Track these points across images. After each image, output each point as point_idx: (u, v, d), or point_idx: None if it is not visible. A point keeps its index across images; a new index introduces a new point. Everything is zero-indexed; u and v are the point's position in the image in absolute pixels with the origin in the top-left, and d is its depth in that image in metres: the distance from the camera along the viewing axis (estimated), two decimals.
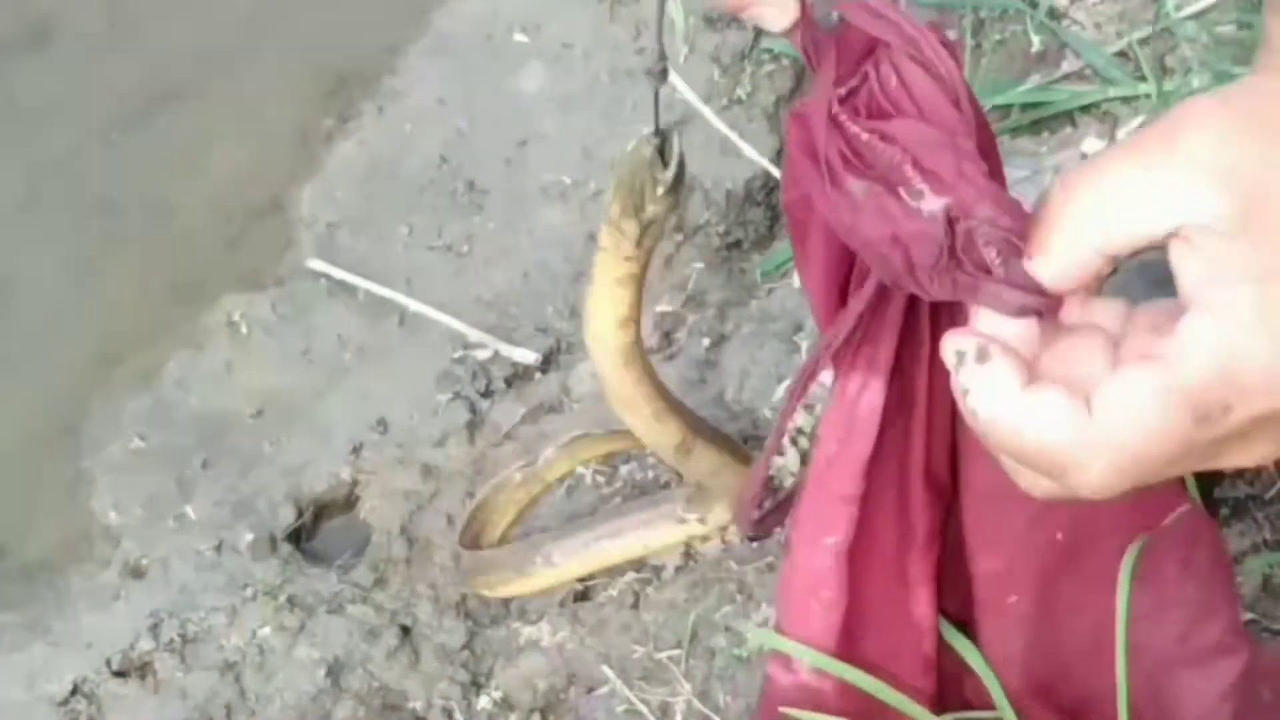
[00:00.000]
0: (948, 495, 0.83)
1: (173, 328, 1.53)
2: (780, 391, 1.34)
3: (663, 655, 1.22)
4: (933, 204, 0.64)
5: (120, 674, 1.30)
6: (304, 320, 1.51)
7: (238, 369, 1.49)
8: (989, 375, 0.61)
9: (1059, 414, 0.60)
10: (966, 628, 0.88)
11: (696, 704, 1.19)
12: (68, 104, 1.72)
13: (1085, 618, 0.84)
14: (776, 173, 1.50)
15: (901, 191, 0.65)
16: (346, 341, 1.49)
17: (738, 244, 1.49)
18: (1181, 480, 0.86)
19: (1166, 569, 0.83)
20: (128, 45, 1.75)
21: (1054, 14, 1.52)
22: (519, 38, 1.67)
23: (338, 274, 1.53)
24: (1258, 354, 0.57)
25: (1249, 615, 1.10)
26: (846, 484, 0.80)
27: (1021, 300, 0.62)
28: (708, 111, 1.54)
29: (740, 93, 1.56)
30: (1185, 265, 0.58)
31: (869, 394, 0.78)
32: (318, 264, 1.54)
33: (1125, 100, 1.46)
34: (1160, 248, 0.59)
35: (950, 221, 0.63)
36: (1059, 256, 0.61)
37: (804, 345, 1.36)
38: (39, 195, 1.66)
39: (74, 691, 1.29)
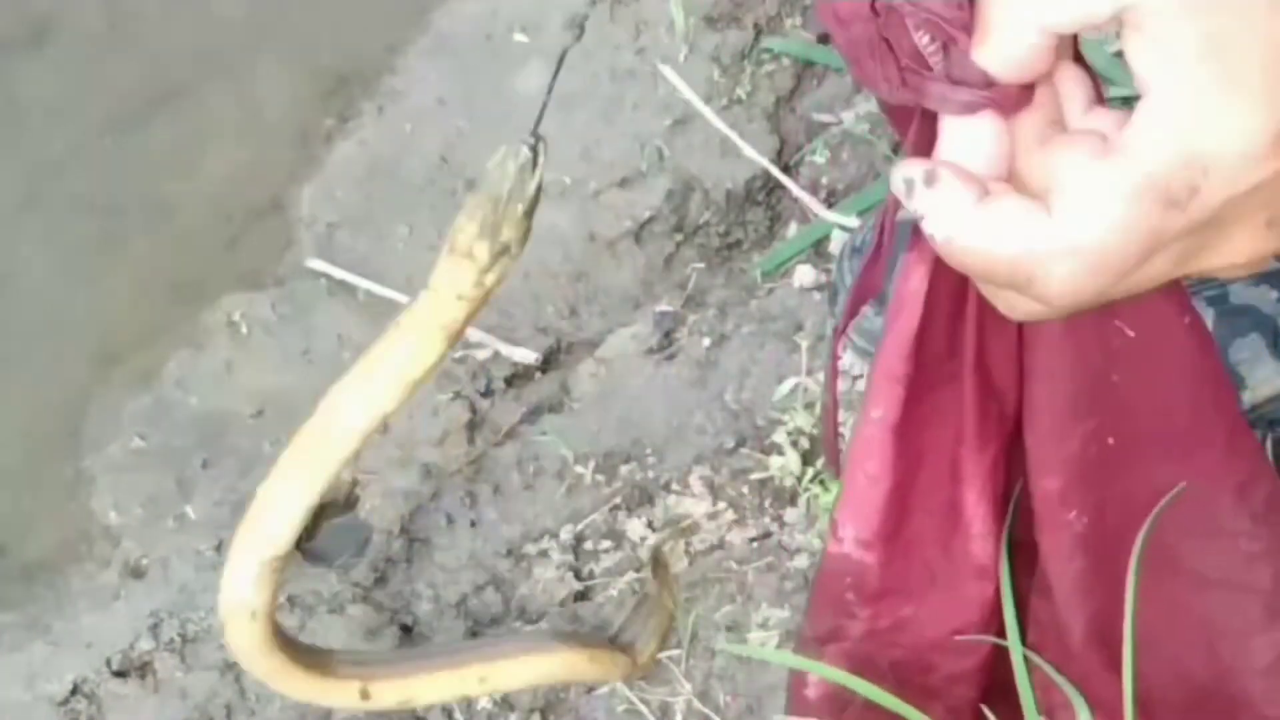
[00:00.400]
0: (1007, 402, 0.82)
1: (173, 328, 1.53)
2: (780, 391, 1.34)
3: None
4: None
5: (120, 674, 1.30)
6: (304, 320, 1.51)
7: (238, 369, 1.49)
8: (940, 197, 0.60)
9: (1016, 221, 0.59)
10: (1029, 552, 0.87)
11: (696, 704, 1.19)
12: (67, 104, 1.72)
13: (1133, 538, 0.83)
14: (777, 173, 1.50)
15: None
16: (346, 341, 1.49)
17: (738, 244, 1.49)
18: (1230, 391, 0.85)
19: (1220, 497, 0.81)
20: (127, 45, 1.75)
21: None
22: (519, 38, 1.67)
23: (338, 274, 1.53)
24: (1217, 130, 0.56)
25: None
26: (894, 364, 0.79)
27: (968, 96, 0.59)
28: (708, 111, 1.54)
29: (740, 93, 1.56)
30: (1137, 52, 0.57)
31: (915, 277, 0.77)
32: (318, 264, 1.54)
33: (1125, 100, 1.45)
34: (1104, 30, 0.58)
35: (873, 6, 0.61)
36: (1001, 41, 0.59)
37: (804, 345, 1.36)
38: (39, 195, 1.66)
39: (74, 691, 1.29)
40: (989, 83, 0.59)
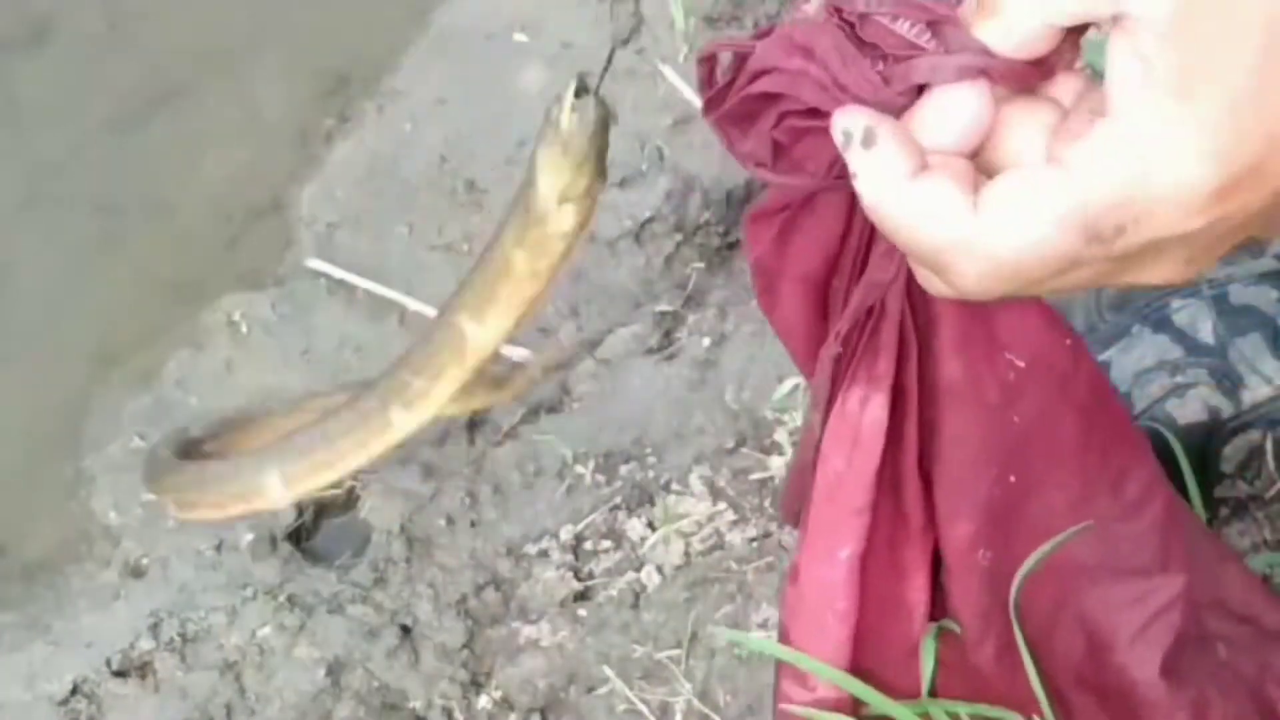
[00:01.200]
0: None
1: (173, 327, 1.53)
2: (780, 391, 1.34)
3: (663, 655, 1.22)
4: (814, 4, 0.61)
5: (120, 674, 1.30)
6: (304, 320, 1.51)
7: (238, 369, 1.49)
8: (874, 160, 0.59)
9: (942, 208, 0.58)
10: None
11: (696, 704, 1.19)
12: (67, 104, 1.72)
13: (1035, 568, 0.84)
14: None
15: (793, 6, 0.62)
16: (346, 341, 1.49)
17: (738, 244, 1.49)
18: (1127, 417, 0.86)
19: (1100, 497, 0.83)
20: (127, 45, 1.75)
21: None
22: (519, 37, 1.67)
23: (337, 273, 1.53)
24: (1163, 176, 0.56)
25: None
26: (857, 497, 0.80)
27: (965, 60, 0.59)
28: None
29: None
30: (1117, 58, 0.56)
31: (872, 408, 0.78)
32: (317, 263, 1.54)
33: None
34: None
35: (838, 12, 0.61)
36: (1007, 18, 0.58)
37: None
38: (39, 195, 1.66)
39: (74, 691, 1.29)
40: (985, 49, 0.59)
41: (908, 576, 0.85)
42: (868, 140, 0.59)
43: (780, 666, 0.88)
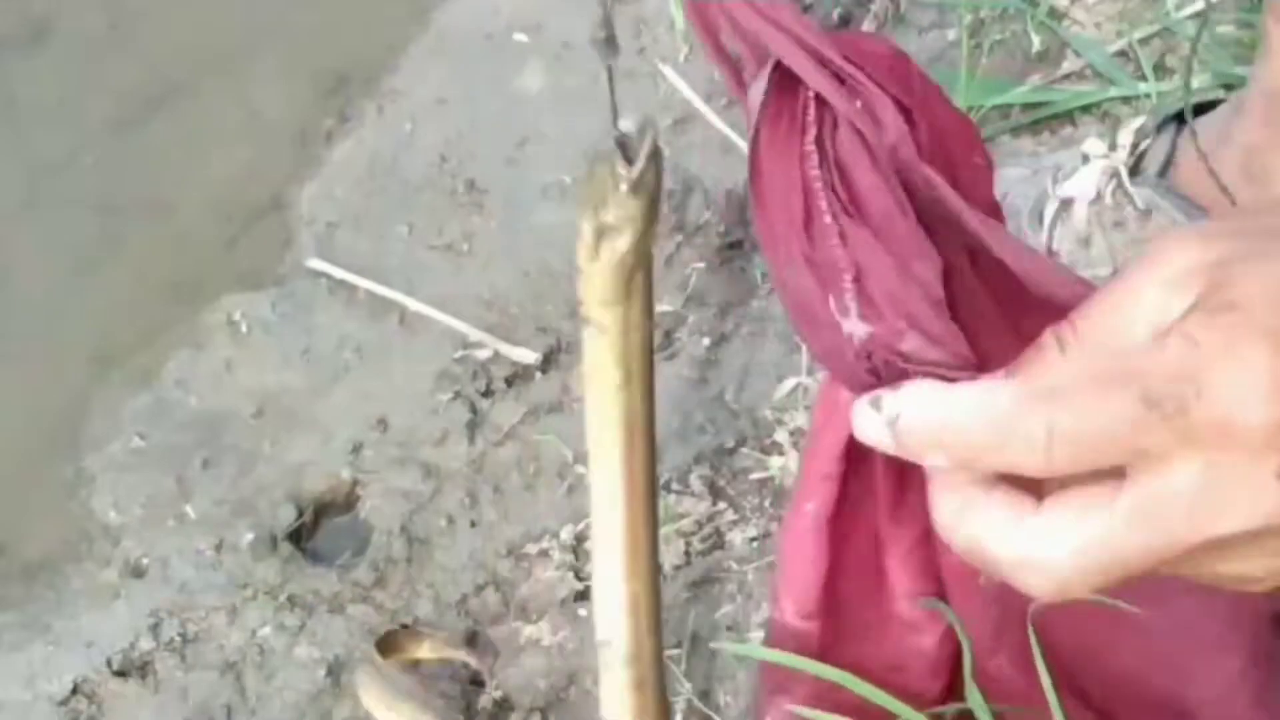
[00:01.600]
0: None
1: (172, 327, 1.53)
2: (780, 391, 1.34)
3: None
4: (855, 327, 0.60)
5: (120, 673, 1.30)
6: (304, 320, 1.51)
7: (238, 368, 1.49)
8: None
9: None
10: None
11: (696, 704, 1.19)
12: (67, 104, 1.72)
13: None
14: None
15: (831, 300, 0.60)
16: (346, 341, 1.49)
17: (738, 244, 1.49)
18: None
19: None
20: (127, 45, 1.75)
21: (1054, 13, 1.52)
22: (519, 37, 1.67)
23: (338, 273, 1.53)
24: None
25: None
26: (827, 464, 0.81)
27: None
28: (708, 111, 1.54)
29: None
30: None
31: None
32: (318, 263, 1.54)
33: (1125, 100, 1.46)
34: None
35: (868, 354, 0.60)
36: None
37: (804, 345, 1.36)
38: (39, 195, 1.65)
39: (74, 691, 1.29)
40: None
41: (886, 551, 0.86)
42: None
43: (775, 584, 0.89)
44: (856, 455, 0.81)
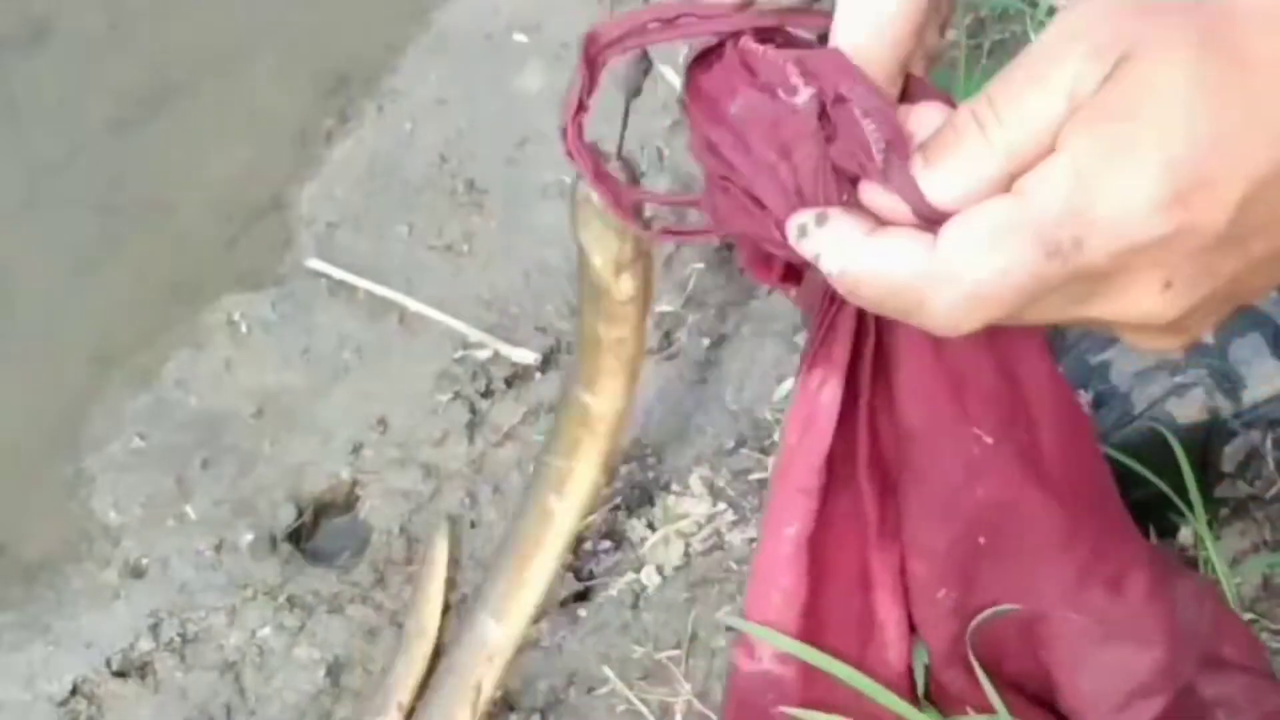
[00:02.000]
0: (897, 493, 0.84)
1: (172, 327, 1.53)
2: (780, 391, 1.34)
3: (663, 655, 1.22)
4: (804, 94, 0.63)
5: (120, 674, 1.30)
6: (304, 320, 1.51)
7: (237, 368, 1.49)
8: (831, 233, 0.62)
9: (902, 250, 0.60)
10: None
11: (696, 704, 1.19)
12: (67, 104, 1.72)
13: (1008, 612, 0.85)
14: None
15: (779, 92, 0.64)
16: (346, 341, 1.49)
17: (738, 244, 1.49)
18: (1112, 483, 0.86)
19: (1093, 593, 0.83)
20: (127, 45, 1.75)
21: (1054, 13, 1.52)
22: (519, 37, 1.67)
23: (337, 273, 1.53)
24: (1110, 185, 0.57)
25: (1248, 615, 1.10)
26: (804, 477, 0.81)
27: (897, 206, 0.61)
28: None
29: None
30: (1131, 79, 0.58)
31: (828, 390, 0.79)
32: (317, 263, 1.54)
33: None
34: None
35: (822, 108, 0.63)
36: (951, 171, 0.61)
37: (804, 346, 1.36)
38: (39, 195, 1.66)
39: (74, 691, 1.29)
40: (924, 201, 0.61)
41: (874, 585, 0.85)
42: (821, 220, 0.62)
43: (736, 638, 0.88)
44: (840, 467, 0.81)
